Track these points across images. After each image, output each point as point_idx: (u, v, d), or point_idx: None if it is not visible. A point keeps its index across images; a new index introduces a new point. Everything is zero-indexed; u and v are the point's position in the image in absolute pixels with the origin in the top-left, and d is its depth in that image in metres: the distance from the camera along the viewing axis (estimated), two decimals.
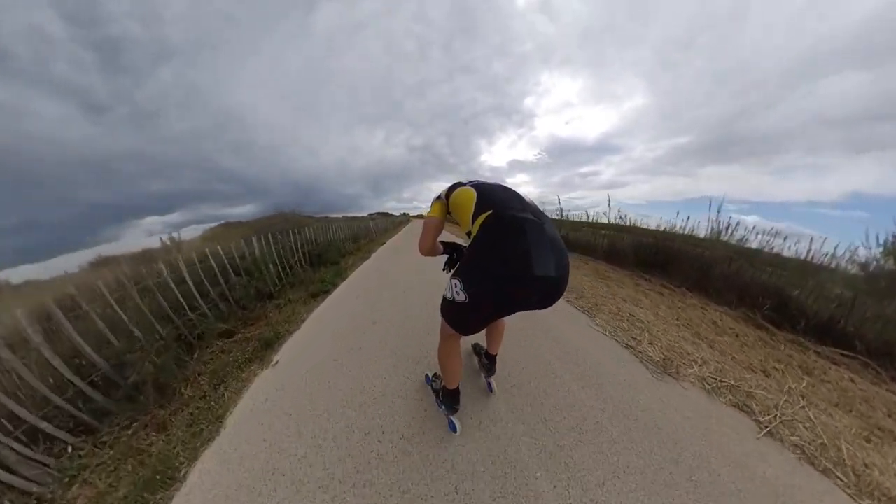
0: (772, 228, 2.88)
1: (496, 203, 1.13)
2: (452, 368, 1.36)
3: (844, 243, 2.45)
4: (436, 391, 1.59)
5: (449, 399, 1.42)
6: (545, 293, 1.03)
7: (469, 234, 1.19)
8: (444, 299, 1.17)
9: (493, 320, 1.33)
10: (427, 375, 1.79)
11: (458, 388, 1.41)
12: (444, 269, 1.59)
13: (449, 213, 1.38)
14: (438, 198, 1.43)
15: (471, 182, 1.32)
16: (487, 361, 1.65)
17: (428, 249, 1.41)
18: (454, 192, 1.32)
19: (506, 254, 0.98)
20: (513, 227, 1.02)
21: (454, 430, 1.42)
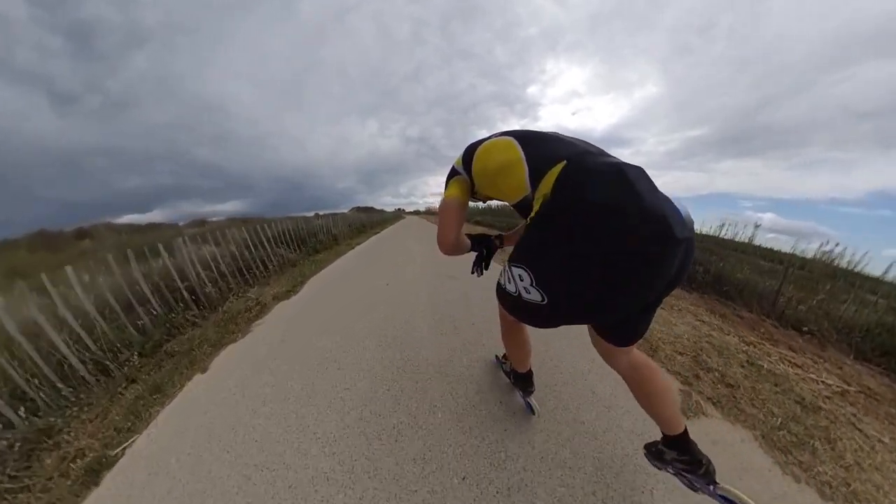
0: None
1: (562, 150, 0.79)
2: (521, 356, 1.26)
3: (869, 243, 2.43)
4: (507, 373, 1.52)
5: (522, 381, 1.34)
6: (683, 263, 0.68)
7: (520, 206, 0.89)
8: (502, 289, 0.89)
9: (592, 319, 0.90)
10: (497, 357, 1.72)
11: (530, 369, 1.30)
12: (473, 272, 1.29)
13: (474, 190, 1.05)
14: (455, 172, 1.06)
15: (495, 134, 0.99)
16: (675, 452, 0.92)
17: (451, 244, 1.03)
18: (478, 153, 0.97)
19: (622, 218, 0.62)
20: (617, 178, 0.66)
21: (532, 411, 1.36)
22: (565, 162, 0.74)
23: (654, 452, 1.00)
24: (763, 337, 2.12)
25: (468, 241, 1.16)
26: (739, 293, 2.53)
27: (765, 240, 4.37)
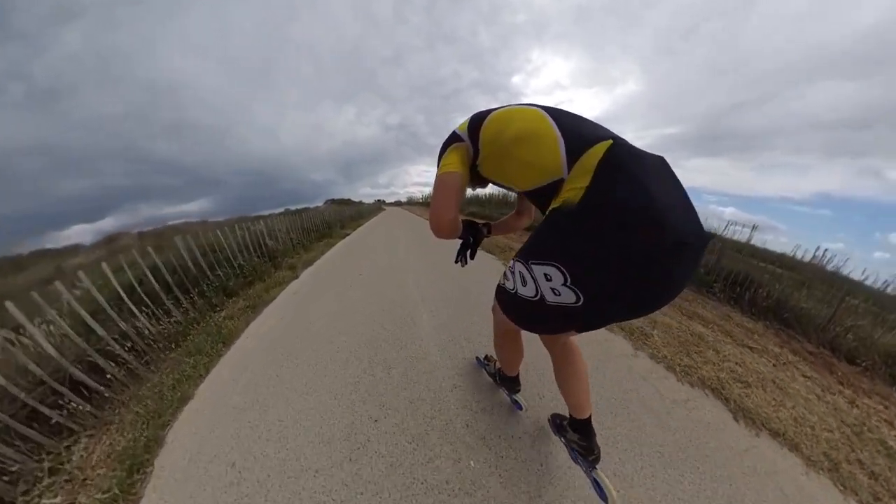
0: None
1: (601, 130, 0.72)
2: (514, 361, 1.24)
3: (810, 236, 2.65)
4: (491, 374, 1.51)
5: (509, 382, 1.34)
6: (690, 269, 0.67)
7: (538, 193, 0.75)
8: (512, 294, 0.79)
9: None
10: (478, 358, 1.68)
11: (518, 372, 1.32)
12: (457, 261, 1.18)
13: (475, 165, 0.87)
14: (455, 138, 0.89)
15: (512, 104, 0.86)
16: (580, 436, 1.03)
17: (449, 224, 0.86)
18: (492, 117, 0.82)
19: (663, 211, 0.58)
20: (664, 169, 0.65)
21: (520, 407, 1.39)
22: (611, 141, 0.65)
23: (558, 425, 1.17)
24: (845, 383, 2.18)
25: (461, 225, 1.02)
26: (797, 320, 2.63)
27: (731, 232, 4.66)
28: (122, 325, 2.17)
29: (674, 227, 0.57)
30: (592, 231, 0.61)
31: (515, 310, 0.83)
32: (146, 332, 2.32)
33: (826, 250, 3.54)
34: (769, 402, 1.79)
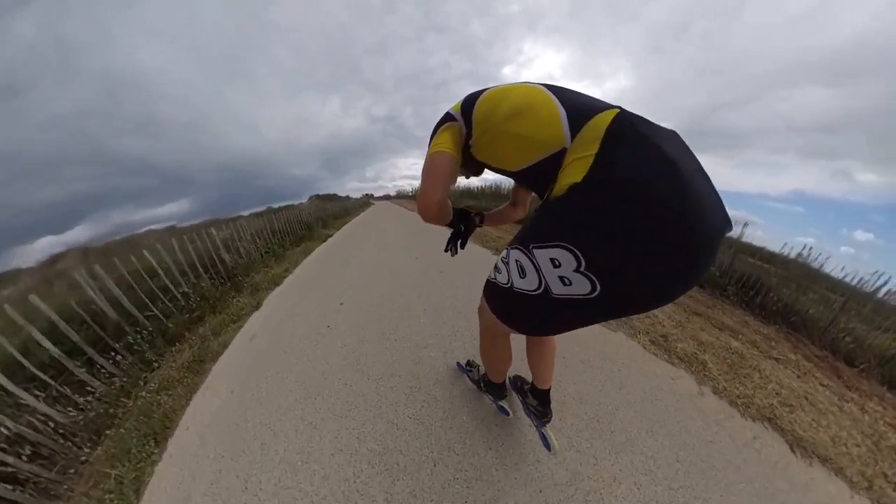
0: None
1: (603, 105, 0.63)
2: (502, 368, 1.18)
3: (785, 230, 2.91)
4: (475, 381, 1.46)
5: (495, 389, 1.31)
6: (713, 255, 0.59)
7: (535, 172, 0.68)
8: (507, 289, 0.71)
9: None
10: (459, 364, 1.63)
11: (506, 379, 1.28)
12: (447, 250, 1.12)
13: (468, 146, 0.81)
14: (448, 118, 0.83)
15: (507, 83, 0.81)
16: (538, 402, 1.19)
17: (437, 208, 0.81)
18: (486, 95, 0.77)
19: (690, 185, 0.51)
20: (671, 139, 0.58)
21: (507, 413, 1.37)
22: (619, 110, 0.59)
23: (519, 388, 1.30)
24: (851, 387, 2.36)
25: (451, 210, 0.95)
26: (803, 323, 2.81)
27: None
28: (9, 424, 1.46)
29: (699, 202, 0.51)
30: (611, 206, 0.52)
31: (510, 308, 0.75)
32: (50, 425, 1.63)
33: (811, 248, 3.80)
34: (810, 424, 1.88)
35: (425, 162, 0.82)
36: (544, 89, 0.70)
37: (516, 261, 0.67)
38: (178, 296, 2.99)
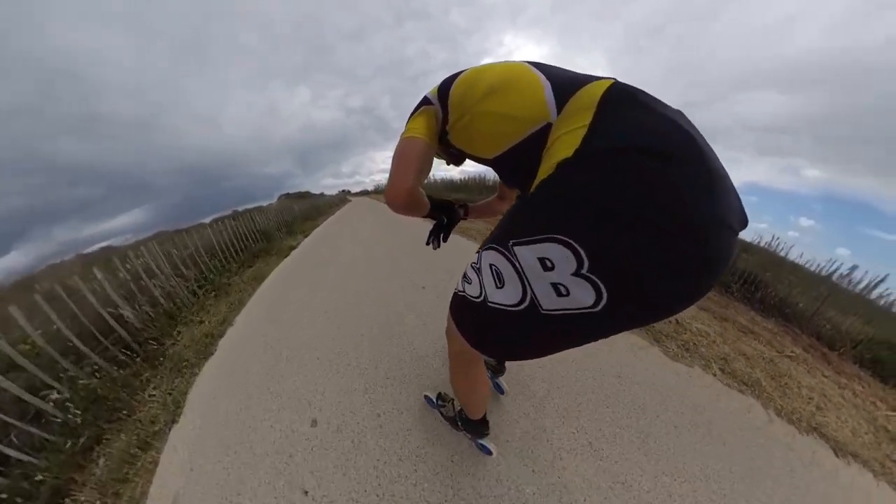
0: None
1: (588, 75, 0.58)
2: (478, 400, 1.01)
3: None
4: (449, 419, 1.28)
5: (475, 427, 1.14)
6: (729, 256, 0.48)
7: (514, 157, 0.61)
8: (481, 306, 0.58)
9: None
10: (428, 397, 1.42)
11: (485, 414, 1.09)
12: (429, 243, 1.08)
13: (447, 128, 0.73)
14: (424, 102, 0.77)
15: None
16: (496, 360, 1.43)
17: (406, 194, 0.70)
18: (463, 76, 0.70)
19: (692, 171, 0.43)
20: (678, 113, 0.49)
21: (489, 452, 1.22)
22: (614, 80, 0.52)
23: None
24: (840, 372, 2.80)
25: (427, 202, 0.89)
26: (794, 315, 3.19)
27: None
28: None
29: (723, 182, 0.43)
30: (618, 179, 0.40)
31: (483, 329, 0.60)
32: None
33: (779, 238, 4.31)
34: (837, 422, 2.16)
35: (396, 148, 0.74)
36: (528, 65, 0.62)
37: (491, 265, 0.54)
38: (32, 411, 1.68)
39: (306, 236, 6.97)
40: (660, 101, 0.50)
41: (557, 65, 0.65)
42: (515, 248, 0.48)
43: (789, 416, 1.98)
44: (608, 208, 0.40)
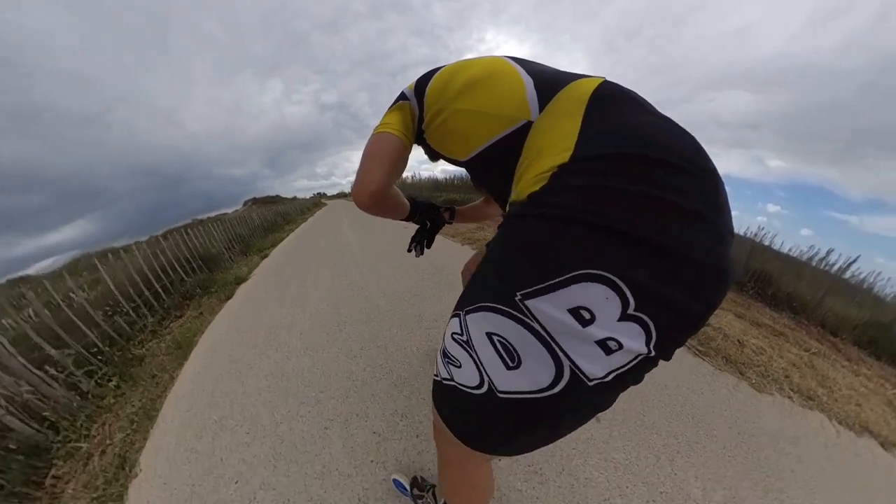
0: None
1: (575, 73, 0.55)
2: (482, 496, 0.73)
3: None
4: None
5: None
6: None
7: (491, 157, 0.56)
8: (487, 398, 0.42)
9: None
10: (398, 482, 1.11)
11: None
12: (410, 250, 0.98)
13: (423, 126, 0.68)
14: (401, 97, 0.71)
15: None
16: None
17: (375, 192, 0.65)
18: (442, 71, 0.65)
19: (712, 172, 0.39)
20: (671, 121, 0.44)
21: None
22: (603, 79, 0.48)
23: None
24: (850, 360, 3.14)
25: (406, 203, 0.83)
26: (802, 307, 3.52)
27: None
28: None
29: (724, 195, 0.40)
30: (633, 187, 0.34)
31: (496, 430, 0.45)
32: None
33: (763, 228, 4.73)
34: (873, 415, 2.41)
35: (367, 142, 0.68)
36: (508, 60, 0.59)
37: (491, 335, 0.39)
38: None
39: (265, 257, 5.45)
40: (649, 103, 0.47)
41: (542, 63, 0.60)
42: (529, 303, 0.36)
43: (848, 423, 2.19)
44: (633, 225, 0.33)
